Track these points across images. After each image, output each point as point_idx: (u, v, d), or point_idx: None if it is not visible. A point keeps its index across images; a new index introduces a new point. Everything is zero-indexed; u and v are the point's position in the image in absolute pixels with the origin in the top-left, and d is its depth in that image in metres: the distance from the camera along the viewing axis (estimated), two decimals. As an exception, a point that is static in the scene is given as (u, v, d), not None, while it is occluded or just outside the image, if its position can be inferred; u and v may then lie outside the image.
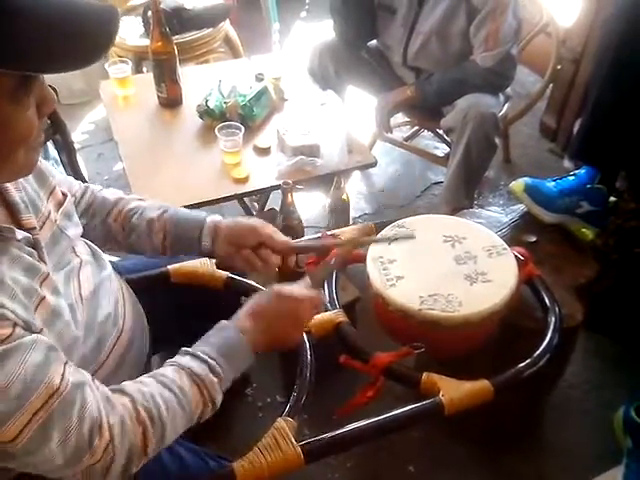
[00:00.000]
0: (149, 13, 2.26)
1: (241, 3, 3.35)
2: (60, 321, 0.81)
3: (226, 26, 2.66)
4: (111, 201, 1.12)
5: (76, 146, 2.09)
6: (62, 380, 0.73)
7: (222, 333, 0.90)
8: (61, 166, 1.94)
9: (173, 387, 0.82)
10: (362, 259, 1.22)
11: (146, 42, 2.19)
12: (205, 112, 1.91)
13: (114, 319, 0.96)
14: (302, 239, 1.43)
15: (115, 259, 1.32)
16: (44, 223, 0.88)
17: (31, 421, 0.70)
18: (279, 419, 0.94)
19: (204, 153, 1.86)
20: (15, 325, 0.71)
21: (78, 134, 2.81)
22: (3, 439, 0.69)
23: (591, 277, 1.47)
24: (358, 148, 1.91)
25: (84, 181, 1.18)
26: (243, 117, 1.90)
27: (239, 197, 1.86)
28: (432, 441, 1.64)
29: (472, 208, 1.87)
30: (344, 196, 1.80)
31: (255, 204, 2.25)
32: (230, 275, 1.21)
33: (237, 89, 1.97)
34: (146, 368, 1.04)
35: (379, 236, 1.25)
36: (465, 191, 2.07)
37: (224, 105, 1.91)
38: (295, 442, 0.90)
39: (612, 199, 1.66)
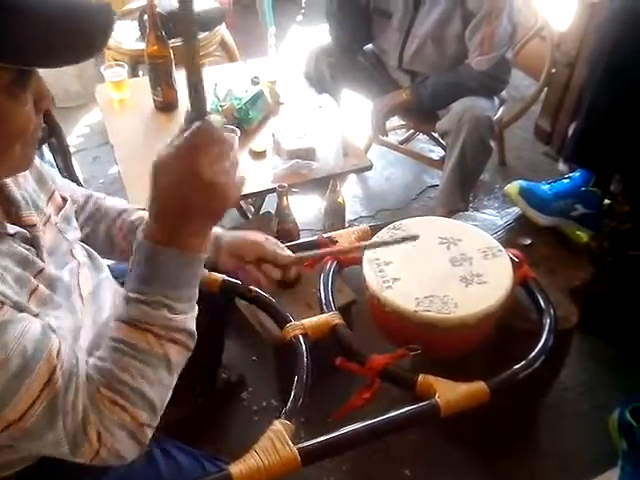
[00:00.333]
0: (145, 17, 2.26)
1: (237, 7, 3.37)
2: (56, 310, 0.80)
3: (222, 30, 2.67)
4: (115, 211, 1.12)
5: (71, 149, 2.10)
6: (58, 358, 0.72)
7: (139, 256, 0.76)
8: (56, 169, 1.93)
9: (125, 349, 0.75)
10: (358, 261, 1.22)
11: (142, 46, 2.20)
12: (201, 115, 1.91)
13: None
14: (299, 241, 1.43)
15: (111, 262, 1.32)
16: (45, 224, 0.88)
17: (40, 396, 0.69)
18: (276, 421, 0.93)
19: (200, 156, 1.86)
20: (3, 303, 0.69)
21: (73, 137, 2.80)
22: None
23: (586, 279, 1.48)
24: (354, 151, 1.91)
25: (79, 185, 1.18)
26: (239, 120, 1.90)
27: (235, 200, 1.86)
28: (428, 444, 1.64)
29: (467, 211, 1.88)
30: (340, 199, 1.81)
31: (251, 207, 2.25)
32: (226, 278, 1.21)
33: (233, 93, 1.97)
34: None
35: (379, 239, 1.24)
36: (460, 194, 2.07)
37: (220, 108, 1.91)
38: (292, 444, 0.90)
39: (606, 202, 1.66)
